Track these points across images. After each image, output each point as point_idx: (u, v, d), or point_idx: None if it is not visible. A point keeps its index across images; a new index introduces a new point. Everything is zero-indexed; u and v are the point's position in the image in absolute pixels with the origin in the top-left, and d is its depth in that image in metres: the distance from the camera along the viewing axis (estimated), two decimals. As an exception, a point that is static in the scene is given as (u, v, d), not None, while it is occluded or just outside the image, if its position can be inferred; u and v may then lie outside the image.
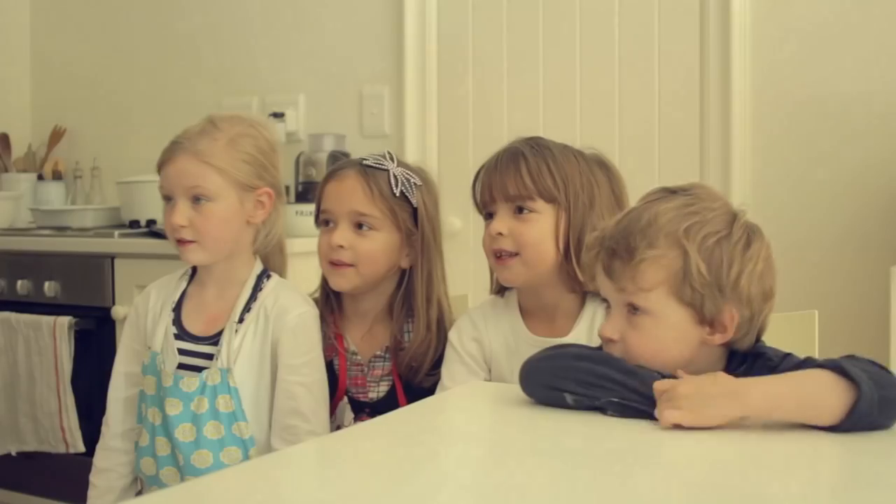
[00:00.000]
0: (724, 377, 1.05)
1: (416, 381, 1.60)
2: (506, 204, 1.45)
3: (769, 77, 2.41)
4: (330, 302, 1.67)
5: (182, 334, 1.57)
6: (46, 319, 2.49)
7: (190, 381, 1.52)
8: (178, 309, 1.59)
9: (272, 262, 1.66)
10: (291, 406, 1.52)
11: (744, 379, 1.05)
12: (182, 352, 1.56)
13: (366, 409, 1.62)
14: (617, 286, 1.14)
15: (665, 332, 1.12)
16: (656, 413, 1.04)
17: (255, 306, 1.56)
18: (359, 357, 1.64)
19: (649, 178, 2.48)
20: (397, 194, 1.58)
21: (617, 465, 0.95)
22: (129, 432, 1.62)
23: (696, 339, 1.13)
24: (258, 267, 1.61)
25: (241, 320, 1.55)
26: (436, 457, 1.02)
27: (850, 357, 1.08)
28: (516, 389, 1.22)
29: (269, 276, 1.60)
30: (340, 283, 1.60)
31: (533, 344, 1.46)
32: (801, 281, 2.25)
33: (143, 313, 1.63)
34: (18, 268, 2.65)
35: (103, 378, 2.48)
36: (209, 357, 1.54)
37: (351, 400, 1.62)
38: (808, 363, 1.10)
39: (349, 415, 1.61)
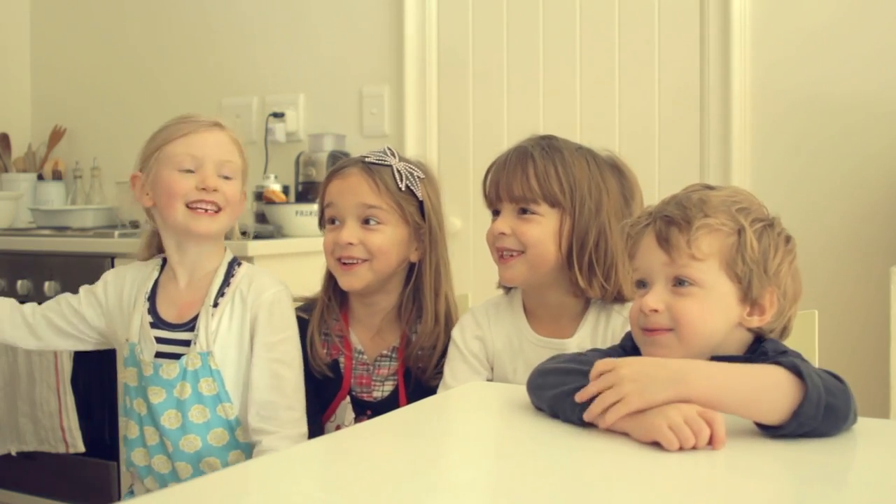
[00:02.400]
0: (672, 361, 1.06)
1: (424, 377, 1.59)
2: (510, 204, 1.44)
3: (769, 77, 2.41)
4: (334, 301, 1.66)
5: (158, 322, 1.58)
6: (46, 319, 2.49)
7: (170, 368, 1.52)
8: (151, 298, 1.60)
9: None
10: (269, 384, 1.52)
11: (693, 362, 1.05)
12: (158, 340, 1.56)
13: (367, 411, 1.61)
14: (668, 256, 1.13)
15: (712, 302, 1.13)
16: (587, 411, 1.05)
17: (230, 290, 1.57)
18: (365, 356, 1.63)
19: (649, 177, 2.49)
20: (402, 188, 1.57)
21: (619, 465, 0.95)
22: (34, 318, 1.63)
23: (736, 317, 1.14)
24: (228, 255, 1.62)
25: (216, 304, 1.55)
26: (437, 457, 1.02)
27: (818, 370, 1.07)
28: (518, 389, 1.22)
29: (239, 264, 1.62)
30: (352, 282, 1.58)
31: (537, 344, 1.46)
32: (803, 281, 2.24)
33: (114, 294, 1.63)
34: (18, 268, 2.65)
35: (103, 378, 2.50)
36: (186, 343, 1.55)
37: (354, 399, 1.62)
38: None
39: (350, 414, 1.61)
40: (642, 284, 1.17)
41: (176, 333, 1.56)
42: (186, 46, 3.23)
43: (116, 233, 2.59)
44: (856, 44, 2.31)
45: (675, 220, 1.13)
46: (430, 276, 1.61)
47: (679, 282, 1.13)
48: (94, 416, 2.50)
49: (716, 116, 2.45)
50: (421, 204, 1.60)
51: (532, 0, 2.69)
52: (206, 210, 1.53)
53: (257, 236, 2.51)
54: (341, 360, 1.63)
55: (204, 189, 1.52)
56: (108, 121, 3.37)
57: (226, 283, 1.57)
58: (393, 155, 1.60)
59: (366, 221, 1.56)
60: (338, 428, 1.61)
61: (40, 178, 3.30)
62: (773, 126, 2.41)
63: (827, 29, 2.34)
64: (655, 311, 1.13)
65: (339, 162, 1.66)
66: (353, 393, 1.62)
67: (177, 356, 1.54)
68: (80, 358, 2.50)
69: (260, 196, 2.74)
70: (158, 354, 1.55)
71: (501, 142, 2.71)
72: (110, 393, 2.48)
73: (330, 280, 1.66)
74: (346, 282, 1.59)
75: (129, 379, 1.58)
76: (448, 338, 1.58)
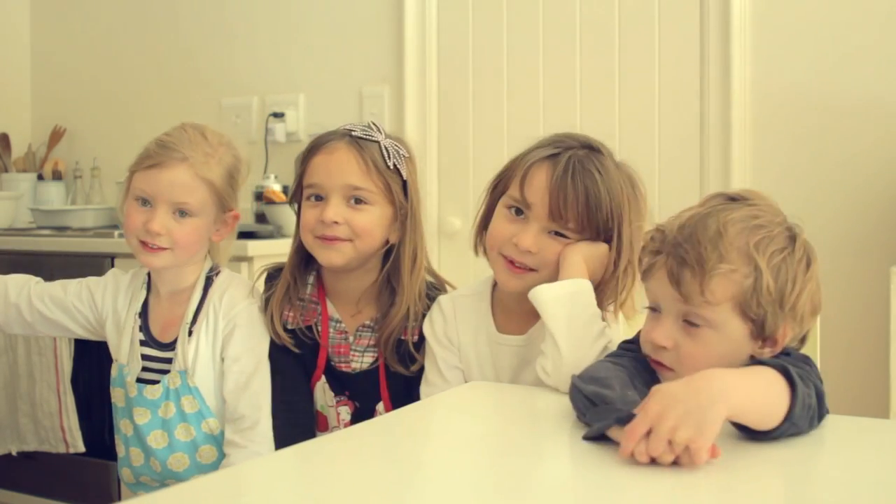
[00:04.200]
0: (697, 381, 0.97)
1: (397, 362, 1.55)
2: (549, 223, 1.37)
3: (769, 76, 2.41)
4: (300, 282, 1.60)
5: (149, 341, 1.58)
6: (46, 319, 2.49)
7: (153, 389, 1.54)
8: (144, 315, 1.60)
9: None
10: (240, 397, 1.53)
11: (717, 376, 0.99)
12: (147, 357, 1.57)
13: (345, 392, 1.58)
14: (681, 296, 1.09)
15: (723, 345, 1.10)
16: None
17: (206, 305, 1.57)
18: (343, 325, 1.59)
19: (649, 177, 2.46)
20: (391, 167, 1.53)
21: (617, 466, 0.95)
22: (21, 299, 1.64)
23: (747, 352, 1.12)
24: (206, 265, 1.61)
25: (194, 321, 1.56)
26: (434, 459, 1.02)
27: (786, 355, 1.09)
28: (514, 390, 1.22)
29: (217, 273, 1.61)
30: (334, 257, 1.52)
31: (500, 342, 1.44)
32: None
33: (110, 302, 1.63)
34: (18, 268, 2.63)
35: (103, 378, 2.49)
36: (170, 362, 1.56)
37: (332, 373, 1.58)
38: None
39: (329, 393, 1.58)
40: (654, 309, 1.14)
41: (162, 352, 1.58)
42: (186, 46, 3.23)
43: (116, 233, 2.59)
44: (856, 43, 2.31)
45: (688, 262, 1.09)
46: (408, 258, 1.56)
47: (691, 322, 1.10)
48: (94, 416, 2.50)
49: (716, 116, 2.45)
50: (404, 183, 1.55)
51: (532, 0, 2.69)
52: (154, 248, 1.52)
53: (257, 236, 2.51)
54: (317, 325, 1.59)
55: (148, 231, 1.51)
56: (108, 121, 3.37)
57: (204, 296, 1.58)
58: (379, 130, 1.55)
59: (352, 200, 1.51)
60: (318, 412, 1.59)
61: (40, 178, 3.30)
62: (773, 125, 2.41)
63: (827, 28, 2.34)
64: (663, 347, 1.11)
65: (321, 136, 1.58)
66: (332, 363, 1.58)
67: (164, 372, 1.56)
68: (80, 358, 2.50)
69: (260, 196, 2.74)
70: (145, 369, 1.57)
71: (501, 142, 2.71)
72: (110, 393, 2.48)
73: (299, 259, 1.60)
74: (326, 257, 1.52)
75: (118, 399, 1.59)
76: (423, 310, 1.54)
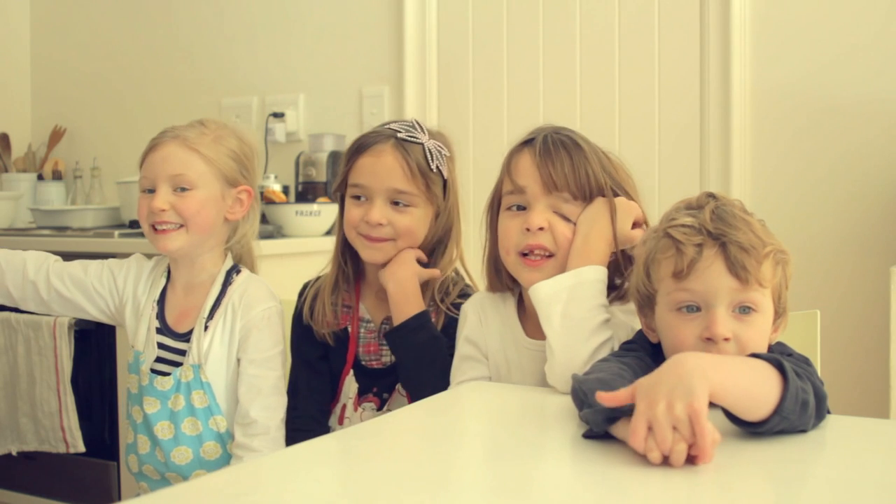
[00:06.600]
0: (674, 364, 0.97)
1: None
2: (548, 197, 1.36)
3: (769, 76, 2.41)
4: (347, 271, 1.65)
5: (164, 329, 1.59)
6: (46, 319, 2.49)
7: (165, 380, 1.55)
8: (161, 302, 1.61)
9: (243, 264, 1.68)
10: (255, 401, 1.53)
11: (693, 356, 1.00)
12: (162, 346, 1.58)
13: (373, 389, 1.60)
14: (740, 283, 1.10)
15: (766, 327, 1.13)
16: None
17: (224, 301, 1.58)
18: (372, 324, 1.63)
19: (649, 176, 2.49)
20: (434, 169, 1.57)
21: (621, 465, 0.95)
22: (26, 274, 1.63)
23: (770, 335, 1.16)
24: (228, 263, 1.62)
25: (210, 316, 1.56)
26: (440, 457, 1.02)
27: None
28: (521, 390, 1.22)
29: (238, 271, 1.62)
30: (376, 256, 1.58)
31: (528, 346, 1.44)
32: (803, 281, 2.25)
33: (131, 287, 1.64)
34: (18, 268, 2.64)
35: (103, 378, 2.50)
36: (184, 353, 1.57)
37: (361, 370, 1.61)
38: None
39: (354, 386, 1.60)
40: (693, 308, 1.12)
41: (177, 342, 1.58)
42: (187, 46, 3.23)
43: (116, 233, 2.59)
44: (855, 42, 2.31)
45: (745, 247, 1.10)
46: (440, 254, 1.62)
47: (743, 308, 1.11)
48: (94, 416, 2.50)
49: (716, 116, 2.45)
50: (444, 183, 1.60)
51: (532, 0, 2.69)
52: (165, 229, 1.54)
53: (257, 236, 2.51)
54: (348, 327, 1.63)
55: (152, 211, 1.53)
56: (108, 121, 3.37)
57: (222, 292, 1.58)
58: (423, 131, 1.59)
59: (395, 202, 1.56)
60: (343, 408, 1.61)
61: (40, 178, 3.30)
62: (772, 125, 2.41)
63: (827, 27, 2.34)
64: (728, 339, 1.10)
65: (367, 136, 1.60)
66: (363, 361, 1.62)
67: (176, 364, 1.56)
68: (80, 358, 2.50)
69: (260, 196, 2.74)
70: (159, 360, 1.57)
71: (501, 142, 2.71)
72: (110, 393, 2.48)
73: (345, 249, 1.65)
74: (370, 256, 1.59)
75: (131, 385, 1.60)
76: (447, 303, 1.59)
